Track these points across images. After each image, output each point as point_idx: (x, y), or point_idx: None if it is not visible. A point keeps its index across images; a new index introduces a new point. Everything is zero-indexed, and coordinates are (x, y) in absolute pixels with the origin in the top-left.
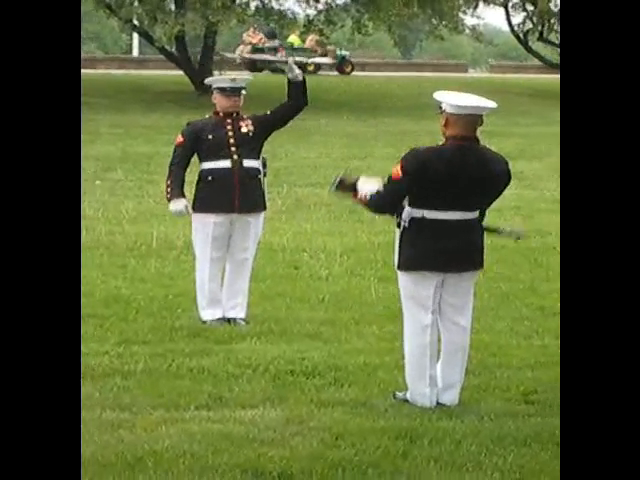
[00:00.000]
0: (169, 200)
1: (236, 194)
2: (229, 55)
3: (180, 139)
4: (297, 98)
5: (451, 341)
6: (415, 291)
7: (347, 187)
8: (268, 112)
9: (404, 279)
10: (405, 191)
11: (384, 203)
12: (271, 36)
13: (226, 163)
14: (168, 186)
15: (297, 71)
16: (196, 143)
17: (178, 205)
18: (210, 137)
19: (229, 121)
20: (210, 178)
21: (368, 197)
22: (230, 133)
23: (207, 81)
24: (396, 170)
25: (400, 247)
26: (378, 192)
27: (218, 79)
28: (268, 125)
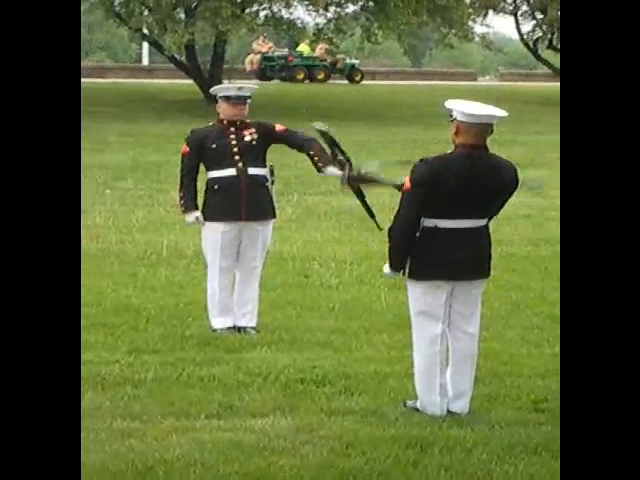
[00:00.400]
0: (183, 212)
1: (243, 202)
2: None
3: (186, 148)
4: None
5: (460, 349)
6: (426, 301)
7: (358, 180)
8: (277, 126)
9: (414, 288)
10: (417, 202)
11: (401, 226)
12: (290, 47)
13: (231, 171)
14: (181, 198)
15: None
16: (201, 152)
17: (191, 217)
18: (214, 146)
19: (232, 129)
20: (216, 187)
21: (388, 231)
22: (234, 142)
23: (212, 90)
24: (406, 183)
25: (411, 256)
26: (395, 218)
27: (223, 87)
28: (273, 138)
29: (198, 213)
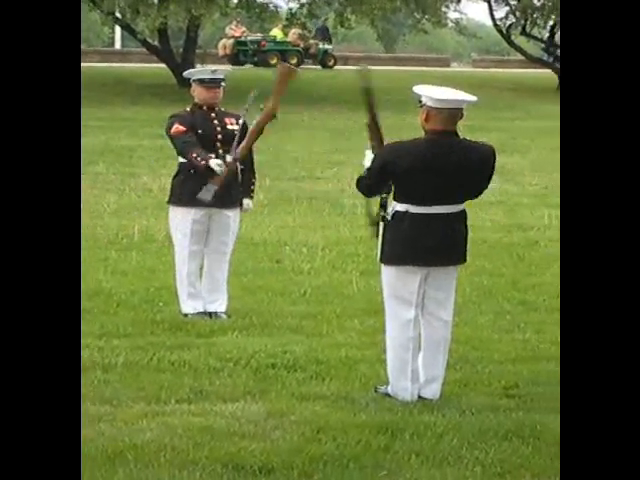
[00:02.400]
0: (204, 162)
1: (219, 189)
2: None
3: (181, 127)
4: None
5: (433, 335)
6: (399, 286)
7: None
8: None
9: (388, 273)
10: (375, 183)
11: (362, 188)
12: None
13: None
14: (196, 157)
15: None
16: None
17: (216, 162)
18: (200, 131)
19: (214, 115)
20: (192, 171)
21: (357, 181)
22: (218, 129)
23: (186, 74)
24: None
25: (384, 241)
26: (359, 178)
27: (198, 71)
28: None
29: (219, 161)
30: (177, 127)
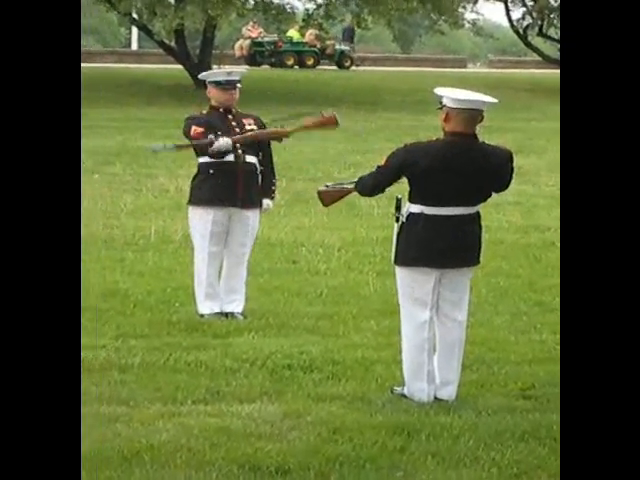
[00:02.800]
0: (211, 144)
1: (239, 189)
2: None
3: (199, 129)
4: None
5: (448, 336)
6: (414, 287)
7: (334, 193)
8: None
9: (402, 275)
10: (386, 181)
11: (366, 185)
12: (350, 34)
13: (230, 158)
14: (200, 140)
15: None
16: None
17: (225, 141)
18: (219, 133)
19: (231, 117)
20: (212, 172)
21: (356, 185)
22: (237, 130)
23: (202, 76)
24: (384, 160)
25: (398, 242)
26: (363, 177)
27: (213, 73)
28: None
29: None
30: (195, 129)
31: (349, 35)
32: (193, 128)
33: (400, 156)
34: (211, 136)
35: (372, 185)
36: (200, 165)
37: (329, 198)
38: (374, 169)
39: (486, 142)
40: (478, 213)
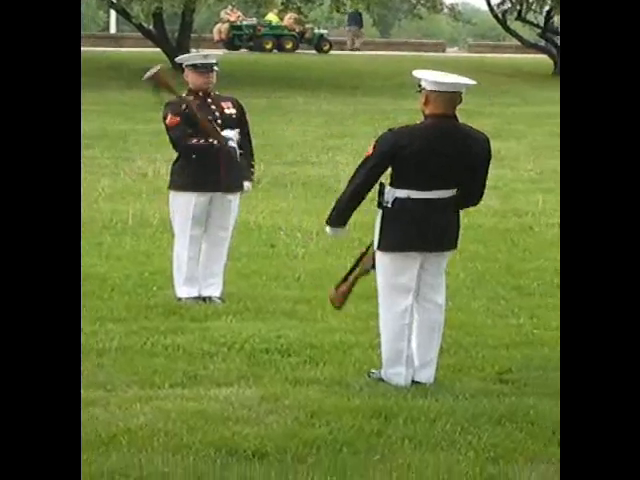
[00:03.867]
0: (216, 136)
1: (221, 173)
2: None
3: (175, 119)
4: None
5: (428, 320)
6: (397, 273)
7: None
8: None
9: (386, 261)
10: (375, 170)
11: (360, 182)
12: (356, 21)
13: (213, 142)
14: (200, 145)
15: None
16: (188, 122)
17: (230, 133)
18: (198, 116)
19: (210, 101)
20: (194, 156)
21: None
22: (217, 113)
23: (178, 59)
24: (369, 149)
25: (382, 228)
26: (352, 177)
27: (190, 56)
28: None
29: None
30: (171, 118)
31: (356, 20)
32: (169, 117)
33: (389, 140)
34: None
35: (365, 177)
36: (182, 149)
37: (341, 298)
38: (356, 170)
39: (466, 124)
40: (455, 196)
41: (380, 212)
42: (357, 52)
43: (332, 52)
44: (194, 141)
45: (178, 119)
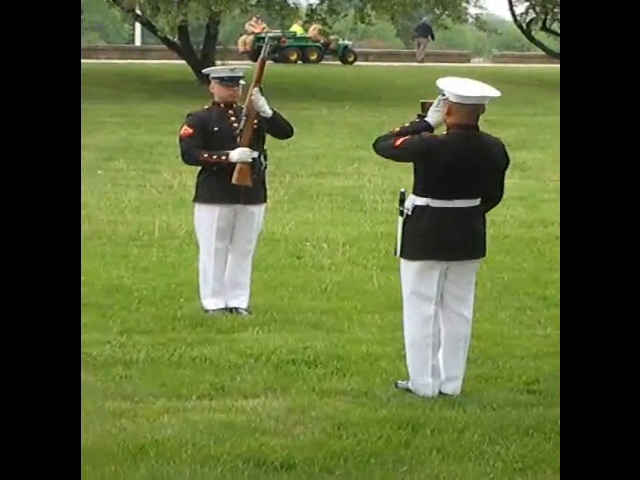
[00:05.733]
0: (226, 158)
1: (242, 185)
2: None
3: (188, 130)
4: (277, 132)
5: (454, 332)
6: (419, 281)
7: None
8: (270, 114)
9: (407, 269)
10: (394, 159)
11: (381, 150)
12: (426, 30)
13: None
14: (209, 161)
15: (265, 107)
16: (204, 134)
17: (240, 151)
18: (216, 129)
19: (231, 112)
20: (215, 169)
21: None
22: (235, 125)
23: (205, 71)
24: (397, 140)
25: (403, 236)
26: (380, 138)
27: (216, 69)
28: (265, 127)
29: (240, 148)
30: (185, 129)
31: (425, 30)
32: (184, 128)
33: (420, 145)
34: (222, 152)
35: (385, 154)
36: (189, 161)
37: None
38: (389, 134)
39: (483, 132)
40: (481, 206)
41: (400, 220)
42: (424, 64)
43: (357, 63)
44: (205, 155)
45: (191, 131)
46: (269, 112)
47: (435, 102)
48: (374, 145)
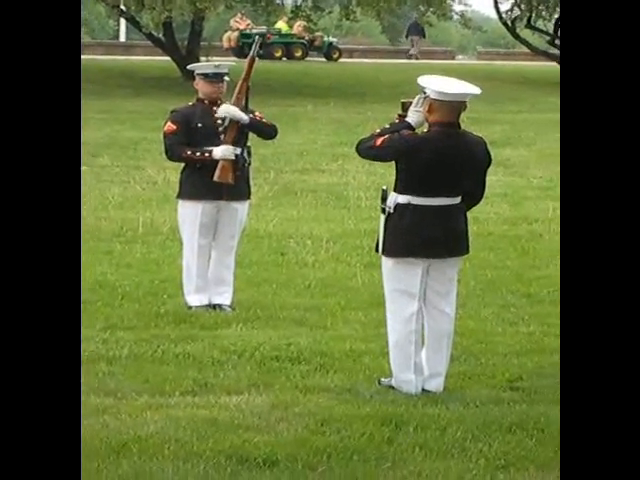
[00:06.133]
0: (209, 155)
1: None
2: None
3: (172, 127)
4: (260, 135)
5: (436, 328)
6: (401, 278)
7: None
8: (257, 113)
9: (389, 266)
10: (377, 159)
11: (363, 151)
12: (417, 30)
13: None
14: (192, 158)
15: (239, 115)
16: (188, 130)
17: (222, 149)
18: (200, 125)
19: (216, 109)
20: (199, 165)
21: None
22: (219, 121)
23: (190, 67)
24: (377, 140)
25: (385, 233)
26: (362, 140)
27: (201, 65)
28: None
29: (224, 146)
30: (169, 125)
31: (417, 29)
32: (168, 124)
33: (400, 143)
34: (205, 149)
35: (366, 155)
36: (172, 158)
37: None
38: (370, 136)
39: (465, 130)
40: (462, 204)
41: (382, 217)
42: (416, 60)
43: (341, 60)
44: (189, 152)
45: (175, 127)
46: (245, 118)
47: (415, 101)
48: (356, 147)
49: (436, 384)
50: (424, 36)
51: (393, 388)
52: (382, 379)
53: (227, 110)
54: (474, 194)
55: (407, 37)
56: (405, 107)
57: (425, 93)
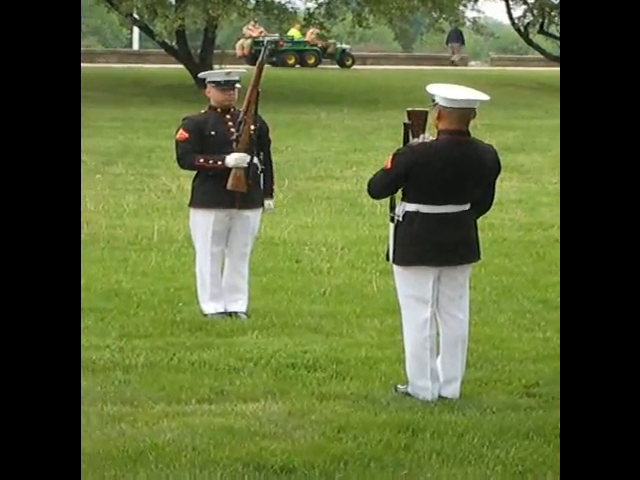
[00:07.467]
0: (222, 163)
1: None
2: None
3: (184, 134)
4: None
5: (450, 334)
6: (413, 286)
7: None
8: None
9: (401, 274)
10: (394, 183)
11: (376, 187)
12: (457, 38)
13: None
14: (204, 165)
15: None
16: (200, 138)
17: (235, 157)
18: (212, 133)
19: (228, 117)
20: (211, 173)
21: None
22: (232, 129)
23: (201, 75)
24: (388, 161)
25: (395, 242)
26: (371, 179)
27: (212, 73)
28: (264, 140)
29: (236, 154)
30: (181, 133)
31: (457, 36)
32: (180, 132)
33: (408, 156)
34: (217, 157)
35: (382, 186)
36: (184, 166)
37: None
38: (379, 171)
39: (474, 138)
40: (471, 210)
41: (392, 226)
42: (458, 67)
43: (355, 67)
44: (201, 160)
45: (187, 135)
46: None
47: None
48: (368, 190)
49: (452, 390)
50: (463, 43)
51: (409, 395)
52: (398, 386)
53: (237, 159)
54: (483, 202)
55: (447, 44)
56: (411, 116)
57: (434, 101)
